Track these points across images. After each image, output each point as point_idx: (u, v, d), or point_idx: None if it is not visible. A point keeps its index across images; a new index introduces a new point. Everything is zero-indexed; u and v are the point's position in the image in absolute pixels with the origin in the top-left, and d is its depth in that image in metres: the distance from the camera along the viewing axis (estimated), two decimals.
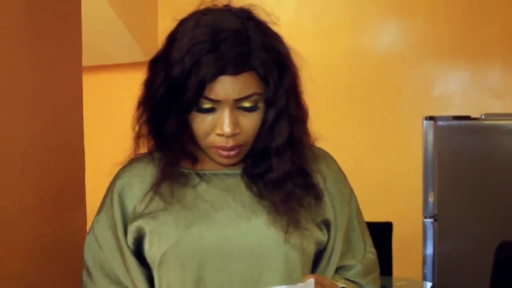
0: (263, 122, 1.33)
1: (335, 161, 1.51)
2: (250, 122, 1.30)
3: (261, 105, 1.31)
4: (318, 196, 1.40)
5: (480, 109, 4.09)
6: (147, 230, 1.35)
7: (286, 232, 1.31)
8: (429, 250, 3.61)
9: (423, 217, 3.67)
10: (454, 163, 3.52)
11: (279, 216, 1.32)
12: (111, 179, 1.50)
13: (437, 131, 3.53)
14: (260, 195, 1.36)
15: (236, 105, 1.28)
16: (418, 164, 3.74)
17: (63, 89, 2.31)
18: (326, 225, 1.41)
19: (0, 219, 1.94)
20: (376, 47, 4.74)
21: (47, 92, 2.20)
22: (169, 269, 1.33)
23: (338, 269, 1.44)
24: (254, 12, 1.33)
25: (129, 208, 1.41)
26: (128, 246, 1.39)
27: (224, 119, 1.27)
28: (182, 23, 1.33)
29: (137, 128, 1.38)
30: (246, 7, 1.33)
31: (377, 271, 1.52)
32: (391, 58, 4.69)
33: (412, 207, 3.88)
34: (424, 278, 3.62)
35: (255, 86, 1.27)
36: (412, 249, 3.98)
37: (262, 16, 1.33)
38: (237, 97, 1.26)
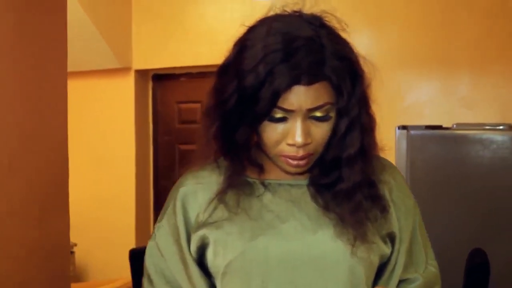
0: (335, 131, 1.31)
1: (399, 172, 1.49)
2: (322, 131, 1.28)
3: (332, 114, 1.28)
4: (384, 208, 1.38)
5: (450, 118, 4.15)
6: (211, 239, 1.34)
7: (353, 245, 1.29)
8: None
9: None
10: (426, 171, 3.54)
11: (345, 229, 1.31)
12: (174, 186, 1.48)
13: (410, 140, 3.55)
14: (326, 207, 1.34)
15: (308, 114, 1.25)
16: None
17: (49, 95, 2.34)
18: (390, 238, 1.40)
19: None
20: None
21: (34, 97, 2.23)
22: (233, 280, 1.32)
23: (399, 282, 1.43)
24: (326, 19, 1.30)
25: (192, 216, 1.40)
26: (191, 255, 1.38)
27: (296, 129, 1.25)
28: (252, 30, 1.29)
29: (207, 136, 1.35)
30: (318, 13, 1.31)
31: (439, 285, 1.51)
32: (364, 67, 4.74)
33: None
34: None
35: (327, 95, 1.25)
36: None
37: (333, 23, 1.30)
38: (310, 107, 1.23)
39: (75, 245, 5.18)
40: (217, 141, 1.34)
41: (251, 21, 1.32)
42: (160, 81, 5.76)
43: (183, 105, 5.63)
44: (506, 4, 4.37)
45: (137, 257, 2.68)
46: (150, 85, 5.77)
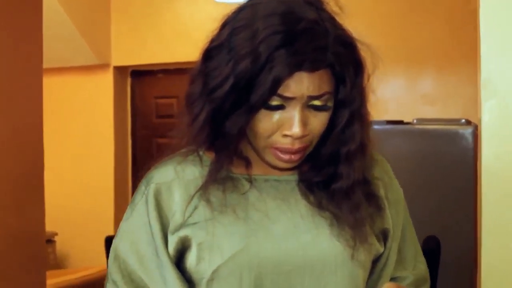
0: (334, 124, 1.20)
1: (389, 166, 1.39)
2: (319, 122, 1.16)
3: (330, 104, 1.16)
4: (379, 207, 1.28)
5: (414, 114, 4.24)
6: (194, 242, 1.19)
7: (353, 248, 1.19)
8: None
9: None
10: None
11: (343, 229, 1.20)
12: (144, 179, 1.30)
13: (372, 134, 3.66)
14: (319, 206, 1.23)
15: (307, 103, 1.13)
16: None
17: (24, 90, 2.44)
18: (384, 234, 1.30)
19: None
20: None
21: (8, 92, 2.33)
22: (221, 286, 1.18)
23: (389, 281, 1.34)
24: (325, 1, 1.19)
25: (169, 215, 1.22)
26: (170, 258, 1.21)
27: (294, 119, 1.12)
28: (245, 8, 1.16)
29: (195, 125, 1.19)
30: None
31: (428, 282, 1.41)
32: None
33: None
34: None
35: (328, 84, 1.14)
36: None
37: (332, 7, 1.20)
38: (312, 94, 1.12)
39: (56, 234, 5.32)
40: (204, 130, 1.18)
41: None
42: (138, 77, 5.92)
43: (161, 100, 5.80)
44: (468, 4, 4.51)
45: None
46: (129, 81, 5.92)
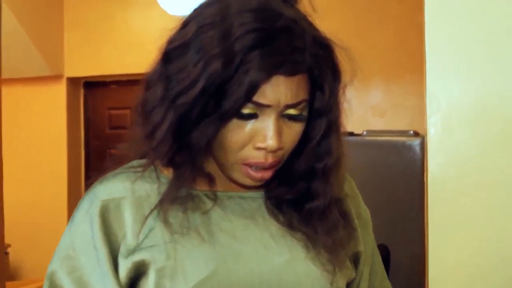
0: (308, 136, 1.08)
1: (354, 183, 1.29)
2: (294, 134, 1.05)
3: (305, 114, 1.05)
4: (353, 227, 1.18)
5: (364, 125, 4.35)
6: (153, 267, 1.02)
7: (333, 273, 1.09)
8: None
9: None
10: None
11: (318, 253, 1.09)
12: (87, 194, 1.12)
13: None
14: (289, 226, 1.11)
15: (282, 111, 1.02)
16: None
17: None
18: (355, 258, 1.20)
19: None
20: None
21: None
22: None
23: None
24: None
25: (118, 237, 1.05)
26: (120, 285, 1.03)
27: (269, 130, 1.01)
28: (212, 5, 1.03)
29: (157, 135, 1.04)
30: None
31: None
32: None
33: None
34: None
35: (305, 90, 1.03)
36: None
37: (305, 6, 1.09)
38: (289, 102, 1.01)
39: (9, 246, 5.29)
40: (167, 142, 1.04)
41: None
42: (91, 88, 5.92)
43: (114, 111, 5.82)
44: (415, 18, 4.63)
45: None
46: (82, 92, 5.92)
